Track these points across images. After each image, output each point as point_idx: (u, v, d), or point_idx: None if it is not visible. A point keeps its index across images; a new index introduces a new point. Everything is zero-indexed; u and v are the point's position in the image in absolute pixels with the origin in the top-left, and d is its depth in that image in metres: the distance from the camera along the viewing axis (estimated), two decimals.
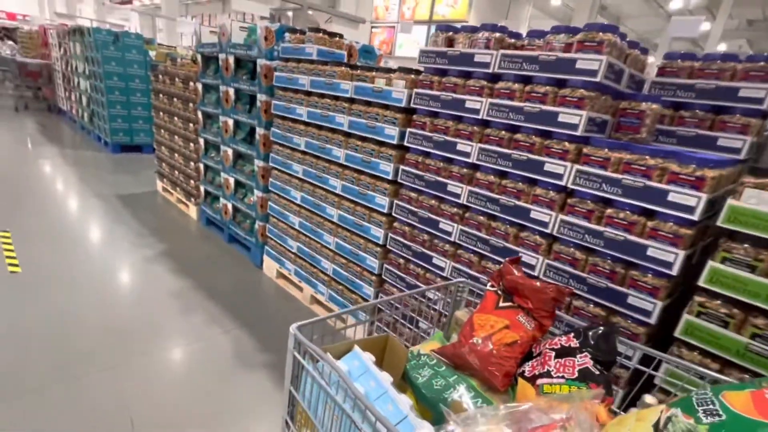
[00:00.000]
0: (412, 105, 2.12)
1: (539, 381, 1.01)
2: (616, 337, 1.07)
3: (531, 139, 1.70)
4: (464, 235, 1.95)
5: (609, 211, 1.51)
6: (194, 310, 2.75)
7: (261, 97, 3.12)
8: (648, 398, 0.95)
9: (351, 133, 2.49)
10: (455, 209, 1.99)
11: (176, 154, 4.54)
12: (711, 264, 1.30)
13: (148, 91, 6.65)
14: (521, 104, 1.70)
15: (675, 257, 1.36)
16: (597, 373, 0.98)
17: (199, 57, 3.84)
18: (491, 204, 1.83)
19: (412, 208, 2.16)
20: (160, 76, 4.63)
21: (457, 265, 1.99)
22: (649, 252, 1.41)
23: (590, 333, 1.06)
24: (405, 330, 1.45)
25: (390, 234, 2.30)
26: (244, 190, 3.69)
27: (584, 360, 1.00)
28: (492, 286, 1.25)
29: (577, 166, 1.56)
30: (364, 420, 0.85)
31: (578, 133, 1.55)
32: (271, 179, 3.21)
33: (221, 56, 3.48)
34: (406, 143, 2.16)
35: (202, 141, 4.03)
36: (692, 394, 0.76)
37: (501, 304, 1.19)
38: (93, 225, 3.91)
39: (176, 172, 4.59)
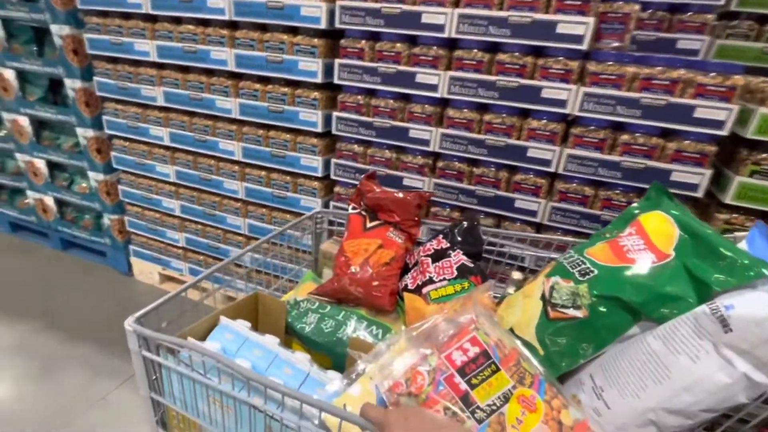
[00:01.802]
0: (337, 26, 1.53)
1: (425, 289, 1.02)
2: (479, 227, 1.13)
3: (521, 60, 1.35)
4: (439, 189, 1.59)
5: (624, 137, 1.32)
6: (61, 367, 1.88)
7: (60, 30, 2.01)
8: (515, 274, 1.04)
9: (241, 73, 1.76)
10: (423, 159, 1.60)
11: None
12: (739, 179, 1.24)
13: None
14: (503, 14, 1.31)
15: (701, 178, 1.26)
16: (472, 265, 1.03)
17: None
18: (474, 147, 1.48)
19: (361, 166, 1.68)
20: None
21: (434, 224, 1.65)
22: (674, 176, 1.29)
23: (456, 230, 1.10)
24: (273, 279, 1.29)
25: (332, 203, 1.80)
26: (68, 175, 2.56)
27: (458, 257, 1.04)
28: (354, 208, 1.20)
29: (584, 89, 1.30)
30: (266, 399, 0.72)
31: (584, 47, 1.26)
32: (114, 153, 2.24)
33: None
34: (336, 80, 1.60)
35: None
36: (561, 259, 0.83)
37: (368, 224, 1.16)
38: None
39: None
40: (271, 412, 0.72)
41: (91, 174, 2.34)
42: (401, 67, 1.48)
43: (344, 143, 1.70)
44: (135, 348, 0.83)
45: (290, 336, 1.01)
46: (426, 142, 1.54)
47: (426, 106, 1.52)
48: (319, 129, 1.69)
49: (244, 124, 1.86)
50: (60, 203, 2.60)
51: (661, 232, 0.76)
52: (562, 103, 1.33)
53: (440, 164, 1.58)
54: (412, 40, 1.48)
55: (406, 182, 1.63)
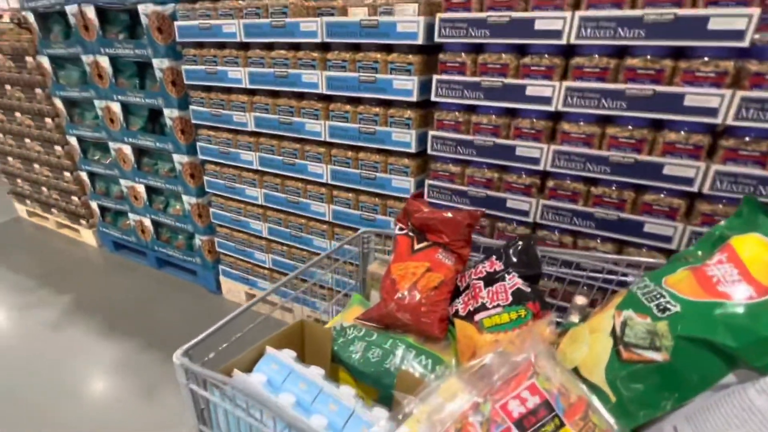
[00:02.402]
0: (437, 40, 1.43)
1: (477, 316, 0.94)
2: (536, 246, 1.02)
3: (657, 64, 1.17)
4: (549, 210, 1.43)
5: None
6: (162, 386, 1.94)
7: (161, 64, 2.12)
8: (578, 299, 0.94)
9: (332, 95, 1.73)
10: (530, 179, 1.45)
11: (36, 164, 3.23)
12: None
13: None
14: (637, 13, 1.14)
15: None
16: (529, 290, 0.94)
17: (30, 18, 2.54)
18: (594, 164, 1.31)
19: (457, 187, 1.57)
20: None
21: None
22: None
23: (510, 251, 1.00)
24: (319, 302, 1.30)
25: None
26: (164, 198, 2.71)
27: (513, 281, 0.95)
28: (401, 229, 1.14)
29: (742, 93, 1.09)
30: None
31: (744, 43, 1.06)
32: (207, 177, 2.31)
33: (70, 9, 2.30)
34: (434, 98, 1.50)
35: (74, 140, 2.84)
36: (634, 289, 0.72)
37: (416, 246, 1.09)
38: None
39: (45, 189, 3.30)
40: None
41: (184, 197, 2.45)
42: (508, 80, 1.36)
43: (439, 163, 1.60)
44: (183, 381, 0.83)
45: (336, 364, 0.97)
46: (535, 161, 1.39)
47: (536, 120, 1.38)
48: (413, 149, 1.61)
49: (333, 146, 1.83)
50: (156, 224, 2.75)
51: (761, 260, 0.63)
52: (711, 112, 1.13)
53: (550, 184, 1.42)
54: (521, 50, 1.35)
55: (509, 204, 1.49)
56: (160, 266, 2.91)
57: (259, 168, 2.06)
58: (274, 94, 1.90)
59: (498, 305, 0.93)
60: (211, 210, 2.39)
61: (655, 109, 1.19)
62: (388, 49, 1.57)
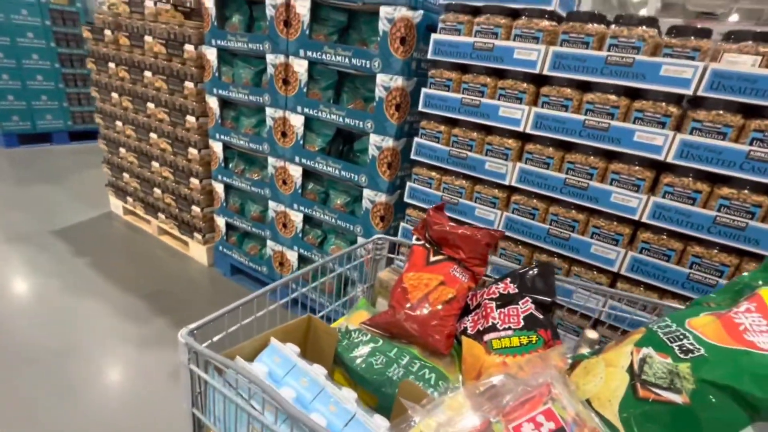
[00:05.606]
0: None
1: (486, 337, 0.92)
2: (553, 275, 1.00)
3: None
4: None
5: None
6: None
7: (390, 81, 1.69)
8: (589, 333, 0.93)
9: (675, 165, 1.27)
10: None
11: (155, 162, 2.83)
12: None
13: (52, 51, 4.48)
14: None
15: None
16: (541, 317, 0.92)
17: (208, 2, 2.15)
18: None
19: None
20: (108, 32, 2.75)
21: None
22: None
23: (527, 276, 1.00)
24: (324, 304, 1.24)
25: None
26: (320, 232, 2.26)
27: (526, 306, 0.95)
28: (417, 239, 1.14)
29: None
30: None
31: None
32: (404, 224, 1.86)
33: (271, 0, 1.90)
34: None
35: (218, 146, 2.43)
36: (654, 327, 0.70)
37: (432, 258, 1.09)
38: (42, 307, 2.22)
39: (158, 191, 2.89)
40: None
41: (360, 239, 2.00)
42: None
43: None
44: (184, 360, 0.79)
45: (336, 365, 0.95)
46: None
47: None
48: None
49: (646, 228, 1.36)
50: (301, 259, 2.30)
51: None
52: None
53: None
54: None
55: None
56: (292, 304, 2.45)
57: (503, 230, 1.60)
58: (563, 146, 1.44)
59: (509, 328, 0.91)
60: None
61: None
62: None
